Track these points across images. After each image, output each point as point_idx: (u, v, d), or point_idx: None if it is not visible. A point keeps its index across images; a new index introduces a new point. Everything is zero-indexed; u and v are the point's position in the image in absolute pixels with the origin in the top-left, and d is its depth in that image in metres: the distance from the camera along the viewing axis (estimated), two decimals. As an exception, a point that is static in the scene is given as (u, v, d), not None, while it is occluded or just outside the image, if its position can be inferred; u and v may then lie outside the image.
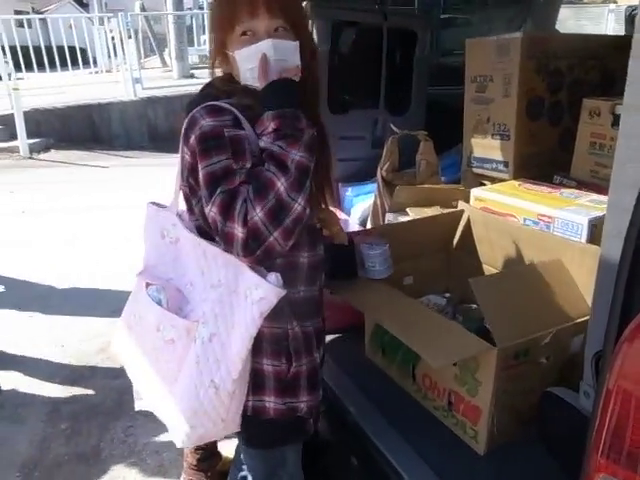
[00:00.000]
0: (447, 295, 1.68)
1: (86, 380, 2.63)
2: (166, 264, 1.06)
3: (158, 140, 8.44)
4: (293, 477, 1.21)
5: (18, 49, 9.06)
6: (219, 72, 1.09)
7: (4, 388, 2.55)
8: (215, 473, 1.92)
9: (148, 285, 1.06)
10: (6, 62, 7.89)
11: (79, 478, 2.04)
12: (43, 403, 2.46)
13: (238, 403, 1.03)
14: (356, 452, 1.39)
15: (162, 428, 1.52)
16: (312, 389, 1.09)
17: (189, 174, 0.98)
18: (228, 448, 1.86)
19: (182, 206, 1.08)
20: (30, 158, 7.29)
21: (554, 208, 1.41)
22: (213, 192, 0.90)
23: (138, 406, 1.35)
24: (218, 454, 1.90)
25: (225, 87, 1.03)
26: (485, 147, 1.86)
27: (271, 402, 1.06)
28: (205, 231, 1.01)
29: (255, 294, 0.94)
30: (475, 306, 1.57)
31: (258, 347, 1.01)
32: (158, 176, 6.34)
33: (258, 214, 0.86)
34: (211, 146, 0.92)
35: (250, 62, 0.96)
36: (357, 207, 2.08)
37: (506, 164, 1.79)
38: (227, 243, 0.90)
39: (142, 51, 16.43)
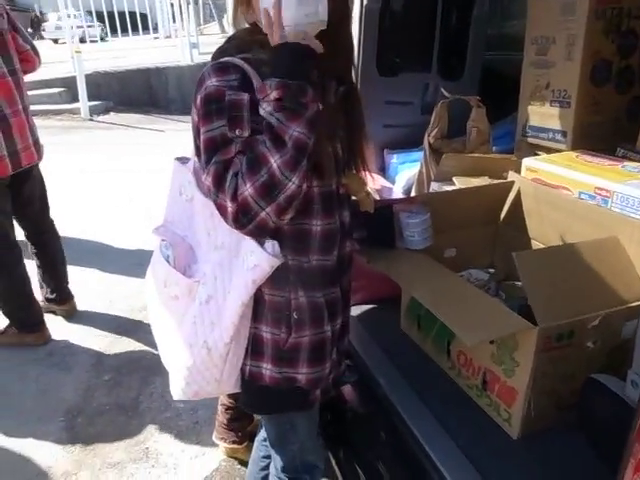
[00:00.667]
0: (491, 270, 1.60)
1: (130, 334, 2.72)
2: (183, 221, 1.05)
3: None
4: (304, 444, 1.19)
5: (82, 13, 9.28)
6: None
7: (55, 338, 2.67)
8: (246, 433, 1.95)
9: (162, 240, 1.06)
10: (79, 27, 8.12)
11: (118, 428, 2.12)
12: (89, 354, 2.57)
13: (233, 366, 1.03)
14: (384, 426, 1.36)
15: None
16: (316, 361, 1.04)
17: (195, 134, 0.94)
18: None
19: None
20: (90, 120, 7.53)
21: (614, 182, 1.29)
22: (209, 160, 0.87)
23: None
24: (249, 415, 1.92)
25: (247, 38, 0.97)
26: (543, 115, 1.73)
27: (267, 369, 1.03)
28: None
29: (250, 260, 0.94)
30: (520, 284, 1.48)
31: (259, 313, 1.00)
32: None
33: (248, 189, 0.83)
34: (212, 110, 0.88)
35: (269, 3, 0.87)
36: (402, 175, 2.00)
37: (564, 134, 1.66)
38: (220, 214, 0.89)
39: (202, 17, 16.54)
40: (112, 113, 7.88)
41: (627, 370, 0.98)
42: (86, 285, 3.20)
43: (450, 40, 2.15)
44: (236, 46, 0.96)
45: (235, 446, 1.95)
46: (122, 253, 3.63)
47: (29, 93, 2.56)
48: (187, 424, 2.15)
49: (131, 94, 8.25)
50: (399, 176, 2.01)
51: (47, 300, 2.81)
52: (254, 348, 1.03)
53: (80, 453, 2.00)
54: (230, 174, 0.85)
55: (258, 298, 0.99)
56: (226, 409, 1.92)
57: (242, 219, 0.85)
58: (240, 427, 1.93)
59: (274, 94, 0.84)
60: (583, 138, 1.63)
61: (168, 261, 1.02)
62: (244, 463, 1.94)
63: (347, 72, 1.06)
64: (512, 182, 1.55)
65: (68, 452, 2.00)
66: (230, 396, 1.85)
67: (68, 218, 4.08)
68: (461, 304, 1.18)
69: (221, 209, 0.87)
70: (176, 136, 6.72)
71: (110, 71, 8.15)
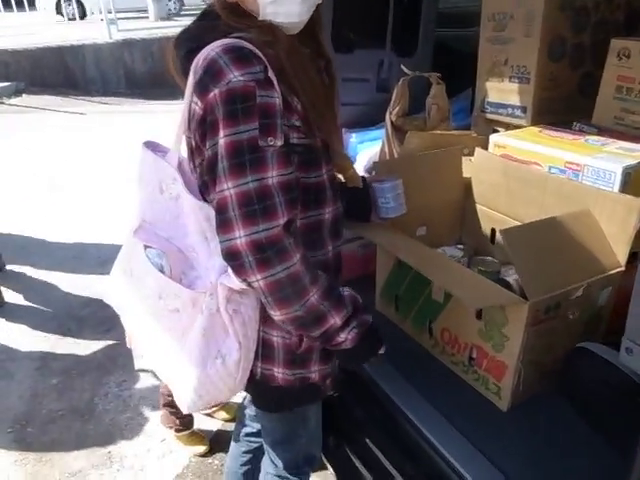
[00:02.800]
0: (460, 247, 1.62)
1: (74, 334, 2.56)
2: (166, 221, 0.94)
3: (135, 86, 8.09)
4: (313, 436, 1.16)
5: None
6: None
7: (-11, 343, 2.46)
8: (188, 421, 1.90)
9: (147, 247, 0.94)
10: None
11: (74, 434, 1.99)
12: (31, 358, 2.39)
13: (245, 371, 0.97)
14: (371, 407, 1.35)
15: (157, 382, 1.44)
16: (327, 357, 1.02)
17: (197, 127, 0.84)
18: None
19: (184, 153, 0.96)
20: (0, 103, 6.91)
21: (583, 155, 1.33)
22: (239, 173, 0.79)
23: (138, 365, 1.29)
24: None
25: (234, 18, 0.86)
26: (501, 91, 1.75)
27: (279, 372, 0.99)
28: (199, 187, 0.90)
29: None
30: (490, 258, 1.51)
31: (267, 317, 0.93)
32: (138, 123, 6.13)
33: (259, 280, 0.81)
34: (237, 110, 0.78)
35: None
36: (362, 154, 1.97)
37: (524, 109, 1.69)
38: (226, 249, 0.82)
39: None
40: (24, 95, 7.27)
41: (621, 338, 1.01)
42: (20, 283, 2.96)
43: (403, 16, 2.13)
44: (230, 23, 0.85)
45: (175, 433, 1.90)
46: (53, 246, 3.38)
47: None
48: (149, 423, 2.05)
49: (45, 74, 7.63)
50: (360, 155, 1.98)
51: None
52: (264, 352, 0.98)
53: (35, 465, 1.86)
54: (272, 250, 0.79)
55: None
56: (166, 395, 1.82)
57: (236, 273, 0.83)
58: (179, 414, 1.86)
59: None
60: (542, 113, 1.67)
61: (162, 271, 0.91)
62: (216, 457, 1.89)
63: (325, 47, 1.01)
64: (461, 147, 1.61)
65: (20, 465, 1.86)
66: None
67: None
68: (452, 275, 1.19)
69: (232, 249, 0.80)
70: (100, 119, 6.33)
71: (19, 49, 7.49)
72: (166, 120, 5.73)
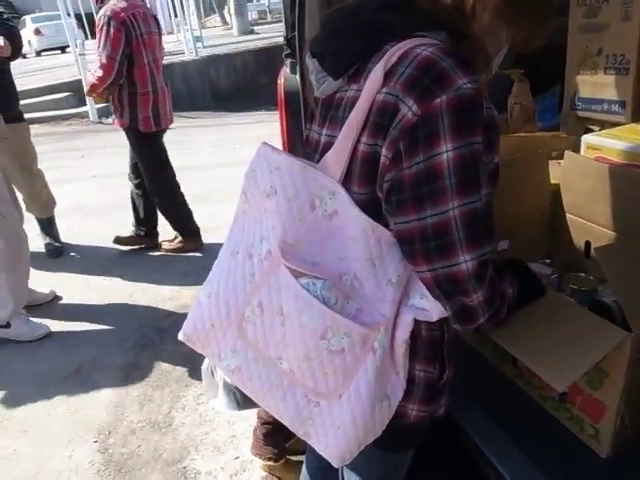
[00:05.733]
0: (548, 262, 1.45)
1: (156, 345, 2.63)
2: (312, 244, 0.80)
3: (220, 99, 8.38)
4: None
5: (83, 16, 9.15)
6: None
7: (80, 353, 2.58)
8: (282, 450, 1.83)
9: (300, 275, 0.78)
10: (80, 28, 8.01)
11: (152, 446, 2.03)
12: (115, 368, 2.48)
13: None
14: (448, 443, 1.22)
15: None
16: (452, 390, 0.93)
17: (403, 135, 0.71)
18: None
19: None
20: (99, 122, 7.44)
21: (697, 156, 1.13)
22: (464, 182, 0.70)
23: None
24: (287, 431, 1.80)
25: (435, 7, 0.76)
26: (595, 85, 1.55)
27: (413, 409, 0.88)
28: (366, 206, 0.77)
29: (418, 302, 0.80)
30: (585, 275, 1.33)
31: (414, 351, 0.84)
32: (227, 136, 6.32)
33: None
34: (466, 120, 0.70)
35: None
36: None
37: (622, 104, 1.48)
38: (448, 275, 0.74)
39: (202, 10, 16.36)
40: (120, 114, 7.77)
41: None
42: (104, 295, 3.11)
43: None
44: (425, 23, 0.76)
45: (271, 463, 1.83)
46: (143, 259, 3.54)
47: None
48: (224, 438, 2.04)
49: (137, 93, 8.12)
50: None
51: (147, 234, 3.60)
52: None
53: (114, 477, 1.90)
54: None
55: (415, 334, 0.83)
56: (263, 423, 1.80)
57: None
58: (277, 443, 1.82)
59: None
60: (644, 108, 1.46)
61: (330, 306, 0.77)
62: (287, 480, 1.83)
63: None
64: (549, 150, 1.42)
65: (102, 477, 1.91)
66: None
67: (80, 227, 3.99)
68: (539, 327, 1.02)
69: (456, 274, 0.73)
70: (187, 133, 6.60)
71: (115, 72, 8.03)
72: (260, 130, 5.88)
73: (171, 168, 3.47)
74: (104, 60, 2.99)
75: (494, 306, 0.78)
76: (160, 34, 3.36)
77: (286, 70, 1.89)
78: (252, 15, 12.75)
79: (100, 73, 3.01)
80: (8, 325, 2.64)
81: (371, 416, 0.81)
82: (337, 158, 0.78)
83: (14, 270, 2.62)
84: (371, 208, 0.77)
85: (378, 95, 0.74)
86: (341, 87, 0.83)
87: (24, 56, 9.05)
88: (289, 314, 0.79)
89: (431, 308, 0.80)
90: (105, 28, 2.97)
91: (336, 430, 0.83)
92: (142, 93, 3.18)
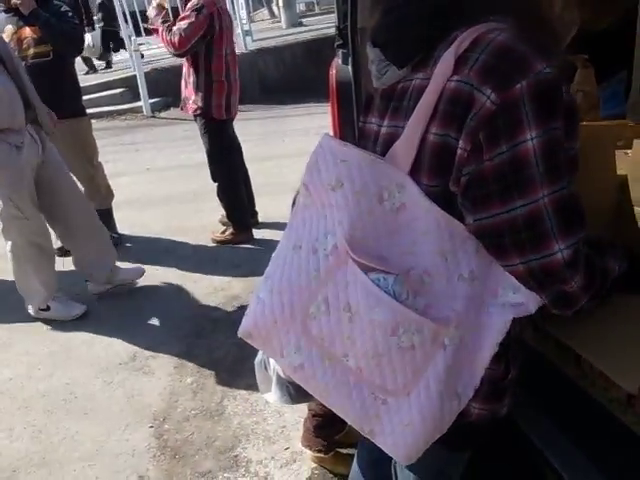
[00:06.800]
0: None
1: (209, 335, 2.68)
2: (379, 238, 0.77)
3: (269, 92, 8.42)
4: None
5: (137, 14, 9.38)
6: None
7: (137, 341, 2.67)
8: (333, 442, 1.84)
9: (369, 270, 0.76)
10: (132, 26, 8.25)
11: (205, 434, 2.07)
12: (170, 357, 2.55)
13: None
14: (506, 447, 1.18)
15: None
16: (513, 390, 0.91)
17: (483, 125, 0.69)
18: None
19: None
20: (152, 117, 7.65)
21: None
22: (552, 169, 0.68)
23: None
24: (337, 423, 1.80)
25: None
26: (668, 69, 1.46)
27: (476, 407, 0.87)
28: (436, 199, 0.75)
29: (511, 297, 0.77)
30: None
31: None
32: (276, 128, 6.38)
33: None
34: (549, 106, 0.68)
35: None
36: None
37: (698, 90, 1.39)
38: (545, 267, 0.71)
39: (251, 4, 16.50)
40: (172, 108, 7.94)
41: None
42: (161, 283, 3.20)
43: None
44: (495, 7, 0.74)
45: (321, 455, 1.84)
46: (194, 249, 3.62)
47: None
48: (274, 428, 2.07)
49: (189, 88, 8.28)
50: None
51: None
52: None
53: (169, 462, 1.96)
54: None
55: None
56: (314, 415, 1.81)
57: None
58: (327, 435, 1.83)
59: None
60: None
61: (402, 301, 0.75)
62: (336, 473, 1.84)
63: None
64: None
65: (158, 461, 1.97)
66: (319, 402, 1.74)
67: (135, 219, 4.12)
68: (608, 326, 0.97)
69: (552, 264, 0.71)
70: (236, 125, 6.66)
71: (167, 67, 8.21)
72: (309, 123, 5.90)
73: (240, 157, 3.64)
74: (183, 36, 3.15)
75: (594, 286, 0.75)
76: (232, 30, 3.57)
77: (338, 61, 1.87)
78: (300, 7, 12.72)
79: (175, 39, 3.16)
80: (48, 308, 2.90)
81: (440, 414, 0.79)
82: (406, 149, 0.76)
83: (39, 263, 2.79)
84: (441, 201, 0.75)
85: (449, 83, 0.71)
86: (405, 76, 0.81)
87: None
88: (357, 310, 0.77)
89: (527, 300, 0.76)
90: (195, 13, 3.16)
91: (404, 428, 0.81)
92: (218, 81, 3.33)
